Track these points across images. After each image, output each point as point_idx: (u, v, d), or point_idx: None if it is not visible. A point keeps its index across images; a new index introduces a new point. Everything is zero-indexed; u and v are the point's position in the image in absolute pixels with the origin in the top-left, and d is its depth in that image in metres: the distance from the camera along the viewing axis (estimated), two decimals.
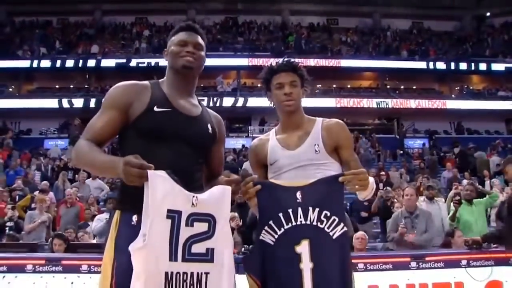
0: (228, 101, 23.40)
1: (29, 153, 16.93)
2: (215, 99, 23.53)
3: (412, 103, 24.01)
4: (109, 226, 1.93)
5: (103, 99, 2.05)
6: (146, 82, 2.08)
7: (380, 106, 23.79)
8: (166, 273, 1.71)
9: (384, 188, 9.31)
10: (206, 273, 1.80)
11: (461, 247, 5.19)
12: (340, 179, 2.03)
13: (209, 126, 2.10)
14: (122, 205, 1.93)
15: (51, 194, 9.90)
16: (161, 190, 1.71)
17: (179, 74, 2.09)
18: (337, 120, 2.44)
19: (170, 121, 1.96)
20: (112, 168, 1.77)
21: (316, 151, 2.28)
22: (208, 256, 1.81)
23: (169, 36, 2.19)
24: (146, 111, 1.95)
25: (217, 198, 1.86)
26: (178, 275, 1.73)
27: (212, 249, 1.82)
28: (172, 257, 1.72)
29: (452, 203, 6.59)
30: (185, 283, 1.74)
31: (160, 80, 2.13)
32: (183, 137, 1.97)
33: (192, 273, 1.76)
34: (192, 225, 1.78)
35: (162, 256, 1.70)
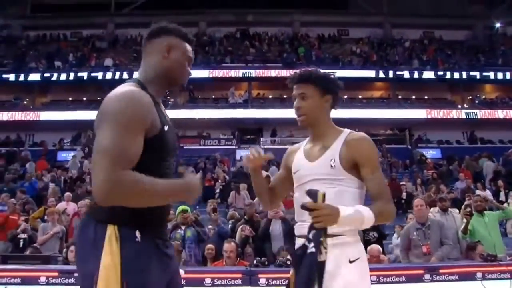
0: (239, 113, 23.48)
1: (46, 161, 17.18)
2: (226, 110, 23.66)
3: (424, 113, 23.88)
4: (94, 242, 1.70)
5: (120, 114, 1.67)
6: (144, 92, 1.82)
7: (392, 117, 23.71)
8: None
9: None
10: None
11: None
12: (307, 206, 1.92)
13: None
14: (119, 219, 1.71)
15: (73, 205, 9.96)
16: None
17: (171, 84, 1.98)
18: (362, 134, 2.28)
19: (171, 139, 1.88)
20: (180, 191, 1.78)
21: (331, 166, 2.18)
22: None
23: (175, 32, 2.03)
24: (160, 132, 1.79)
25: None
26: None
27: None
28: None
29: (463, 215, 6.52)
30: None
31: (141, 81, 1.91)
32: (174, 150, 1.96)
33: None
34: None
35: None
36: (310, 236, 1.91)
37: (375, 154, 2.25)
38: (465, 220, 6.40)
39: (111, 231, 1.71)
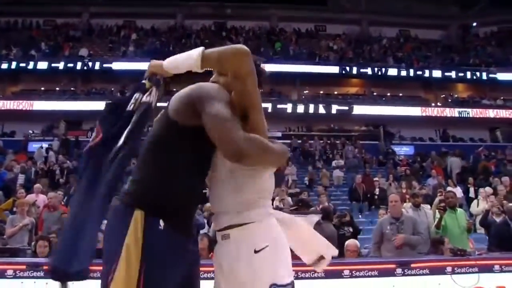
0: None
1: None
2: None
3: (398, 110, 24.24)
4: (121, 224, 1.81)
5: (208, 93, 1.98)
6: None
7: (366, 113, 23.98)
8: None
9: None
10: None
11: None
12: None
13: None
14: (147, 206, 1.82)
15: (43, 197, 9.75)
16: None
17: None
18: None
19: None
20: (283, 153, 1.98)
21: None
22: None
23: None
24: None
25: None
26: None
27: None
28: None
29: (437, 210, 6.62)
30: None
31: None
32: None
33: None
34: None
35: None
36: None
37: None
38: (437, 216, 6.50)
39: (138, 216, 1.80)
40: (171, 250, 1.82)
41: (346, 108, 24.02)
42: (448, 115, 24.26)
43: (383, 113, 24.04)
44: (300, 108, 23.77)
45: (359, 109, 24.09)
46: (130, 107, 2.04)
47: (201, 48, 1.98)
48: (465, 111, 24.42)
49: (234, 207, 1.94)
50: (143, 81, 2.17)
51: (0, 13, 27.33)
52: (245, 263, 1.88)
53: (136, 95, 2.09)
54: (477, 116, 24.25)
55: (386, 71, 25.26)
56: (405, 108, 24.57)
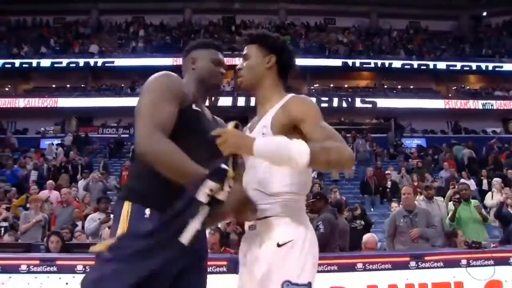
0: (225, 101, 23.36)
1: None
2: (212, 98, 23.49)
3: (409, 103, 24.03)
4: (117, 218, 1.89)
5: (155, 84, 1.92)
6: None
7: (377, 106, 23.83)
8: None
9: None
10: None
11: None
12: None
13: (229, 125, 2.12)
14: (136, 196, 1.89)
15: (56, 193, 9.83)
16: None
17: (207, 88, 2.18)
18: (301, 96, 1.97)
19: (201, 120, 2.02)
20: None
21: (263, 134, 1.89)
22: None
23: (197, 46, 2.22)
24: (188, 107, 1.97)
25: None
26: None
27: None
28: None
29: (451, 202, 6.55)
30: None
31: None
32: (207, 137, 1.86)
33: None
34: None
35: None
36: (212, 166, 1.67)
37: (315, 110, 1.89)
38: (452, 207, 6.43)
39: (126, 207, 1.87)
40: (158, 240, 1.73)
41: (357, 101, 23.89)
42: (460, 107, 23.98)
43: (394, 105, 23.85)
44: None
45: (369, 102, 23.94)
46: (201, 197, 1.64)
47: (306, 151, 1.66)
48: (477, 102, 24.14)
49: (261, 199, 1.86)
50: (223, 166, 1.65)
51: (10, 12, 27.59)
52: (265, 254, 1.82)
53: (211, 184, 1.64)
54: (490, 108, 23.96)
55: (397, 63, 25.05)
56: (416, 100, 24.35)
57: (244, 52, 2.10)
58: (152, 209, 1.84)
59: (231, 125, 1.76)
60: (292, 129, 1.84)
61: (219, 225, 6.47)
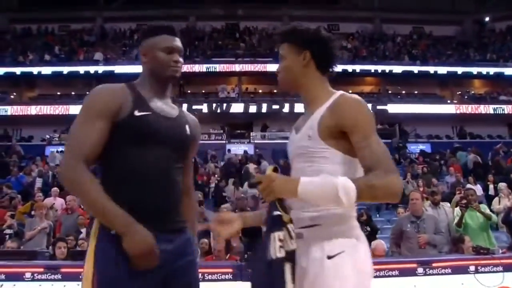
0: (229, 107, 23.38)
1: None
2: (216, 105, 23.55)
3: (414, 108, 23.97)
4: (89, 235, 1.86)
5: (83, 106, 1.85)
6: (123, 85, 1.94)
7: (381, 111, 23.77)
8: None
9: None
10: None
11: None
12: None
13: (187, 127, 1.98)
14: None
15: (60, 200, 9.82)
16: None
17: (162, 81, 1.97)
18: (352, 96, 1.77)
19: (150, 125, 1.84)
20: (118, 227, 1.69)
21: (309, 136, 1.75)
22: None
23: (145, 34, 2.04)
24: (128, 116, 1.82)
25: None
26: None
27: None
28: None
29: (458, 208, 6.49)
30: None
31: (134, 82, 1.98)
32: (163, 139, 1.86)
33: None
34: None
35: None
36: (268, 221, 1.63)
37: (368, 117, 1.71)
38: (459, 212, 6.37)
39: (96, 225, 1.79)
40: (123, 252, 1.70)
41: None
42: (465, 111, 23.90)
43: (398, 111, 23.79)
44: None
45: (374, 108, 23.89)
46: (272, 254, 1.57)
47: (353, 192, 1.55)
48: (482, 107, 24.05)
49: (308, 206, 1.71)
50: (277, 213, 1.62)
51: (16, 20, 27.82)
52: (314, 267, 1.67)
53: (277, 234, 1.59)
54: (495, 113, 23.85)
55: (401, 69, 25.02)
56: (420, 105, 24.31)
57: (280, 52, 1.91)
58: None
59: (269, 169, 1.68)
60: (340, 134, 1.70)
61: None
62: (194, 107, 23.36)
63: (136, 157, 1.80)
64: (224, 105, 23.48)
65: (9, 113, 22.62)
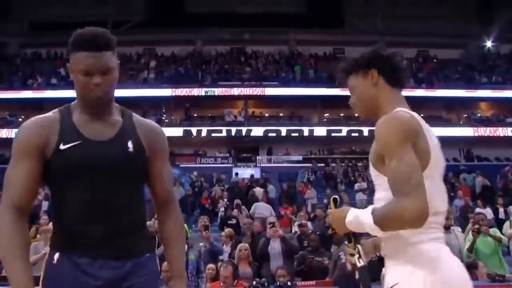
0: (235, 131, 23.43)
1: None
2: (222, 129, 23.62)
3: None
4: None
5: (13, 142, 1.77)
6: (56, 112, 1.84)
7: None
8: None
9: None
10: None
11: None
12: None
13: (129, 144, 1.80)
14: (50, 242, 1.81)
15: None
16: None
17: (89, 104, 1.80)
18: (389, 114, 1.71)
19: (77, 156, 1.72)
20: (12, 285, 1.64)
21: (372, 164, 1.80)
22: None
23: (69, 49, 1.85)
24: (54, 151, 1.73)
25: None
26: None
27: None
28: None
29: (470, 233, 6.37)
30: None
31: (71, 104, 1.88)
32: (95, 168, 1.73)
33: None
34: None
35: None
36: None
37: (389, 136, 1.62)
38: (469, 239, 6.25)
39: (47, 255, 1.78)
40: (65, 283, 1.69)
41: (367, 129, 23.82)
42: (472, 134, 23.82)
43: None
44: (321, 131, 23.67)
45: None
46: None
47: (365, 223, 1.60)
48: (489, 130, 23.97)
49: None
50: (345, 243, 1.84)
51: (27, 45, 28.31)
52: None
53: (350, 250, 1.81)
54: (502, 135, 23.74)
55: (407, 92, 24.98)
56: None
57: (349, 87, 1.90)
58: (61, 254, 1.73)
59: (332, 203, 1.74)
60: (382, 159, 1.65)
61: (230, 258, 6.34)
62: (200, 130, 23.48)
63: (68, 190, 1.74)
64: (231, 128, 23.53)
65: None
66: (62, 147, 1.73)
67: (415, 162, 1.57)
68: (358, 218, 1.60)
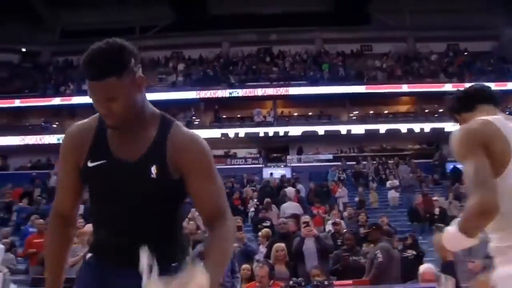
0: (265, 131, 23.46)
1: None
2: (252, 129, 23.69)
3: (452, 127, 23.34)
4: None
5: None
6: (95, 119, 1.77)
7: (419, 131, 23.32)
8: None
9: None
10: None
11: None
12: None
13: (152, 169, 1.66)
14: (87, 242, 2.02)
15: None
16: None
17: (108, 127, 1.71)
18: (458, 129, 2.05)
19: (101, 177, 1.68)
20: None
21: None
22: None
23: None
24: (83, 165, 1.70)
25: None
26: None
27: None
28: None
29: None
30: None
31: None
32: (114, 192, 1.68)
33: None
34: None
35: None
36: None
37: (458, 147, 1.90)
38: None
39: (84, 255, 2.03)
40: (86, 279, 1.81)
41: (398, 126, 23.50)
42: None
43: (436, 130, 23.26)
44: (351, 129, 23.46)
45: (410, 127, 23.48)
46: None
47: (462, 236, 1.70)
48: None
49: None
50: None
51: (58, 53, 29.11)
52: None
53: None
54: None
55: (437, 87, 24.54)
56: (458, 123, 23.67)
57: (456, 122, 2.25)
58: (95, 254, 1.84)
59: (435, 230, 1.89)
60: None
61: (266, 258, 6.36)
62: (230, 131, 23.60)
63: (94, 203, 1.79)
64: (260, 129, 23.57)
65: (51, 142, 23.36)
66: (89, 164, 1.69)
67: (481, 163, 1.72)
68: (447, 230, 1.74)
